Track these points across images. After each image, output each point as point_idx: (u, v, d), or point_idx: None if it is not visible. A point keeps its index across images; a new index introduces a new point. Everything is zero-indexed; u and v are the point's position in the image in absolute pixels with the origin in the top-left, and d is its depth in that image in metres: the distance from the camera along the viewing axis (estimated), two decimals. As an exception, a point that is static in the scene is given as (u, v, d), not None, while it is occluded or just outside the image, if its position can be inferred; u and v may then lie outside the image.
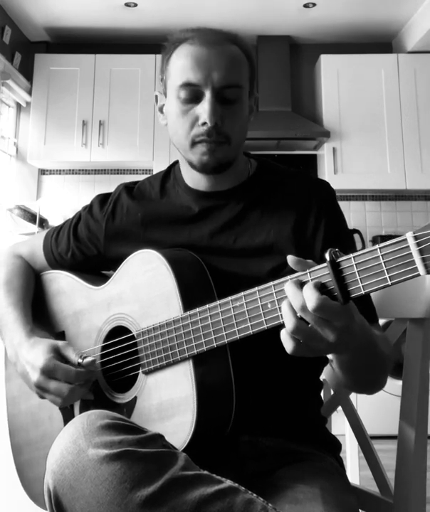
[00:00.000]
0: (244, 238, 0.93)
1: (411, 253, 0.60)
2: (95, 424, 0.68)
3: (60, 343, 0.93)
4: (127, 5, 3.59)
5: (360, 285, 0.64)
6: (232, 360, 0.82)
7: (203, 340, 0.80)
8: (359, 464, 1.52)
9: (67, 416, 0.98)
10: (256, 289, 0.75)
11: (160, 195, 1.02)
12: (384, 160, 3.64)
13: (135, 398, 0.88)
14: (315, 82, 3.99)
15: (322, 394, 1.04)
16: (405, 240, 0.60)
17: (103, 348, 0.95)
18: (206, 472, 0.68)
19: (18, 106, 3.93)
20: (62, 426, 0.97)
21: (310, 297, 0.65)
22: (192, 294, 0.85)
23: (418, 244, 0.59)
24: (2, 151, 3.77)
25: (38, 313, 1.07)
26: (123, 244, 1.01)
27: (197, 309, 0.81)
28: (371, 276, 0.63)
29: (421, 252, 0.59)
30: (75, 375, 0.88)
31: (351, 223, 3.85)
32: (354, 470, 1.53)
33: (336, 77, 3.75)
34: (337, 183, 3.50)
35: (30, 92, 3.83)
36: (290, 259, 0.69)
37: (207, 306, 0.80)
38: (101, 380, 0.95)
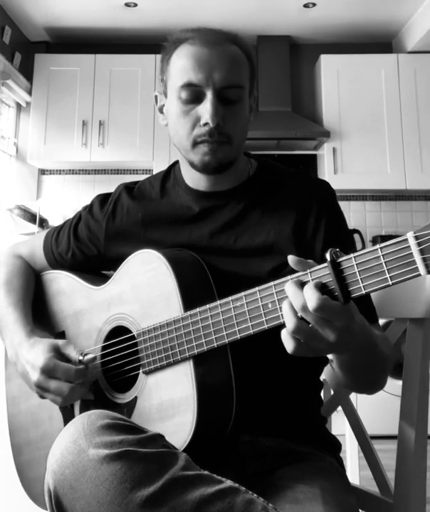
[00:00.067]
0: (244, 238, 0.93)
1: (411, 253, 0.60)
2: (96, 424, 0.68)
3: (60, 341, 0.93)
4: (127, 5, 3.59)
5: (361, 285, 0.64)
6: (232, 360, 0.82)
7: (203, 340, 0.80)
8: (359, 463, 1.52)
9: (68, 416, 0.98)
10: (257, 288, 0.75)
11: (160, 195, 1.02)
12: (384, 160, 3.64)
13: (135, 398, 0.88)
14: (315, 82, 3.99)
15: (322, 394, 1.04)
16: (406, 239, 0.60)
17: (103, 348, 0.95)
18: (206, 472, 0.68)
19: (18, 106, 3.93)
20: (62, 426, 0.97)
21: (311, 297, 0.65)
22: (192, 294, 0.85)
23: (419, 244, 0.59)
24: (2, 151, 3.77)
25: (38, 313, 1.07)
26: (123, 244, 1.01)
27: (197, 309, 0.81)
28: (371, 276, 0.63)
29: (421, 251, 0.59)
30: (75, 374, 0.87)
31: (351, 223, 3.85)
32: (354, 470, 1.53)
33: (336, 77, 3.75)
34: (337, 183, 3.50)
35: (30, 92, 3.83)
36: (291, 259, 0.69)
37: (207, 306, 0.80)
38: (101, 380, 0.95)
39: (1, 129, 3.76)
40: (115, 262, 0.98)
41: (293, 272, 0.70)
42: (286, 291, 0.68)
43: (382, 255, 0.62)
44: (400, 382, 0.97)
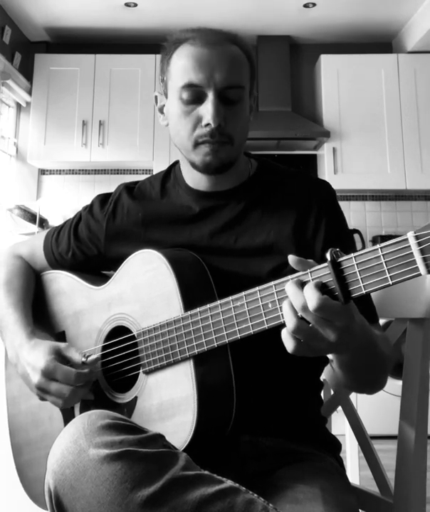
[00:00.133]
0: (244, 238, 0.93)
1: (412, 253, 0.60)
2: (96, 424, 0.68)
3: (61, 344, 0.92)
4: (127, 5, 3.59)
5: (361, 285, 0.64)
6: (233, 360, 0.82)
7: (203, 340, 0.80)
8: (359, 463, 1.52)
9: (68, 416, 0.98)
10: (257, 288, 0.75)
11: (160, 195, 1.02)
12: (384, 160, 3.64)
13: (136, 398, 0.88)
14: (315, 82, 3.99)
15: (322, 394, 1.04)
16: (406, 239, 0.60)
17: (104, 348, 0.95)
18: (206, 472, 0.68)
19: (18, 106, 3.93)
20: (62, 426, 0.97)
21: (311, 297, 0.65)
22: (193, 294, 0.85)
23: (419, 244, 0.59)
24: (2, 151, 3.77)
25: (39, 313, 1.07)
26: (124, 244, 1.01)
27: (198, 309, 0.81)
28: (372, 276, 0.63)
29: (422, 251, 0.59)
30: (75, 377, 0.87)
31: (351, 223, 3.85)
32: (354, 470, 1.53)
33: (336, 77, 3.75)
34: (337, 183, 3.50)
35: (30, 92, 3.83)
36: (291, 258, 0.69)
37: (208, 305, 0.80)
38: (101, 380, 0.95)
39: (1, 129, 3.76)
40: (115, 262, 0.98)
41: (293, 271, 0.70)
42: (286, 291, 0.68)
43: (382, 255, 0.62)
44: (400, 382, 0.97)
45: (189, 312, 0.82)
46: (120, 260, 0.96)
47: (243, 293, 0.76)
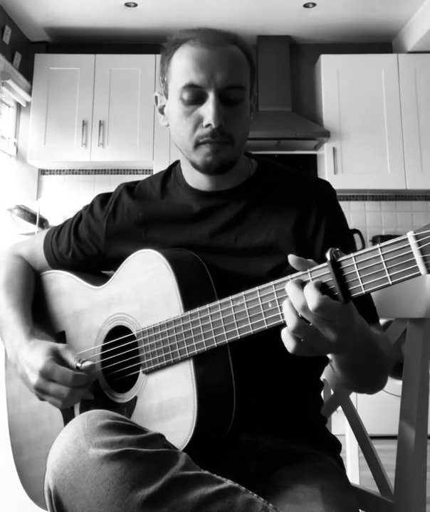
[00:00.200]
0: (245, 238, 0.93)
1: (411, 252, 0.60)
2: (96, 424, 0.68)
3: (59, 345, 0.92)
4: (127, 5, 3.59)
5: (361, 285, 0.64)
6: (232, 360, 0.82)
7: (203, 340, 0.80)
8: (359, 463, 1.52)
9: (68, 416, 0.98)
10: (257, 288, 0.75)
11: (161, 194, 1.02)
12: (384, 160, 3.64)
13: (135, 398, 0.88)
14: (315, 82, 3.99)
15: (322, 394, 1.04)
16: (406, 239, 0.60)
17: (103, 347, 0.95)
18: (206, 472, 0.68)
19: (18, 106, 3.93)
20: (62, 426, 0.97)
21: (311, 297, 0.65)
22: (193, 294, 0.85)
23: (419, 244, 0.59)
24: (2, 151, 3.77)
25: (39, 313, 1.07)
26: (124, 243, 1.01)
27: (197, 309, 0.81)
28: (371, 276, 0.63)
29: (421, 251, 0.59)
30: (72, 379, 0.87)
31: (351, 223, 3.85)
32: (354, 470, 1.53)
33: (336, 77, 3.75)
34: (337, 183, 3.50)
35: (30, 92, 3.83)
36: (291, 258, 0.69)
37: (207, 305, 0.80)
38: (101, 380, 0.95)
39: (1, 129, 3.76)
40: (115, 262, 0.98)
41: (293, 271, 0.70)
42: (287, 291, 0.68)
43: (382, 255, 0.62)
44: (400, 382, 0.97)
45: (188, 312, 0.82)
46: (120, 260, 0.96)
47: (242, 293, 0.76)
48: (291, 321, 0.67)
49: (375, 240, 3.81)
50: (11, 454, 1.10)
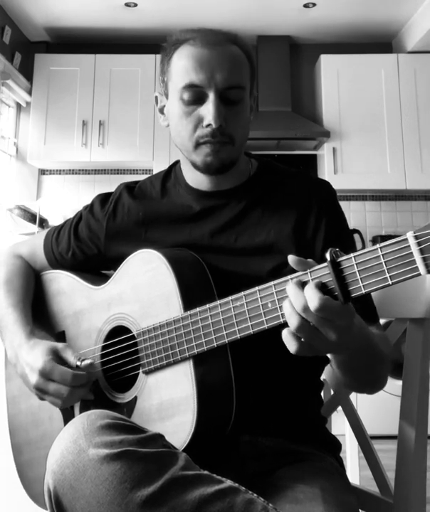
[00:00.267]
0: (245, 237, 0.93)
1: (411, 253, 0.60)
2: (96, 424, 0.68)
3: (59, 345, 0.92)
4: (127, 5, 3.59)
5: (361, 285, 0.64)
6: (232, 360, 0.82)
7: (203, 340, 0.80)
8: (359, 463, 1.52)
9: (68, 416, 0.98)
10: (256, 288, 0.75)
11: (161, 194, 1.02)
12: (384, 160, 3.64)
13: (135, 398, 0.88)
14: (315, 82, 3.99)
15: (322, 394, 1.04)
16: (406, 239, 0.60)
17: (103, 347, 0.95)
18: (206, 472, 0.68)
19: (18, 106, 3.93)
20: (62, 426, 0.97)
21: (312, 297, 0.65)
22: (192, 294, 0.85)
23: (418, 244, 0.59)
24: (2, 151, 3.77)
25: (38, 313, 1.07)
26: (124, 243, 1.01)
27: (197, 309, 0.81)
28: (371, 276, 0.63)
29: (421, 251, 0.59)
30: (72, 378, 0.87)
31: (351, 223, 3.85)
32: (354, 470, 1.53)
33: (336, 77, 3.75)
34: (337, 183, 3.50)
35: (30, 92, 3.83)
36: (291, 259, 0.69)
37: (207, 305, 0.80)
38: (101, 380, 0.95)
39: (1, 129, 3.76)
40: (116, 262, 0.98)
41: (293, 271, 0.70)
42: (287, 292, 0.68)
43: (382, 255, 0.62)
44: (400, 382, 0.97)
45: (188, 312, 0.82)
46: (120, 259, 0.96)
47: (242, 293, 0.76)
48: (293, 321, 0.67)
49: (375, 240, 3.81)
50: (11, 454, 1.10)
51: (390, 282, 0.62)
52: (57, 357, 0.90)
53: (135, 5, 3.59)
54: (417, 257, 0.59)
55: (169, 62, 0.93)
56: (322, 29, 3.93)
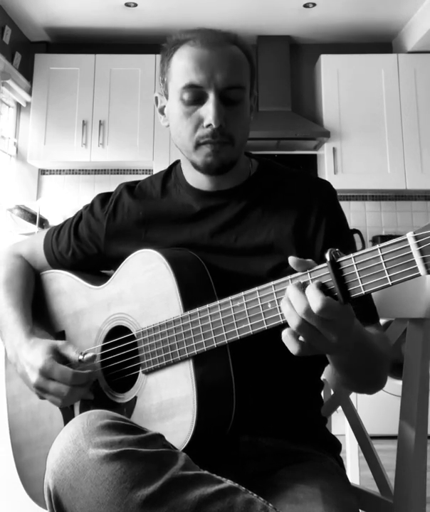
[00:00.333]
0: (245, 237, 0.93)
1: (411, 253, 0.60)
2: (95, 424, 0.68)
3: (59, 342, 0.93)
4: (127, 5, 3.59)
5: (360, 285, 0.64)
6: (232, 360, 0.82)
7: (203, 340, 0.80)
8: (359, 463, 1.52)
9: (68, 416, 0.98)
10: (256, 289, 0.75)
11: (161, 194, 1.02)
12: (384, 160, 3.64)
13: (135, 398, 0.88)
14: (315, 82, 3.99)
15: (322, 394, 1.04)
16: (405, 239, 0.60)
17: (103, 347, 0.95)
18: (206, 472, 0.68)
19: (18, 106, 3.93)
20: (62, 425, 0.97)
21: (315, 299, 0.65)
22: (192, 294, 0.85)
23: (418, 244, 0.59)
24: (2, 151, 3.77)
25: (38, 312, 1.07)
26: (124, 243, 1.01)
27: (197, 309, 0.81)
28: (371, 276, 0.63)
29: (421, 252, 0.59)
30: (72, 377, 0.87)
31: (351, 223, 3.84)
32: (354, 470, 1.53)
33: (336, 77, 3.75)
34: (337, 183, 3.50)
35: (30, 92, 3.83)
36: (292, 260, 0.69)
37: (207, 306, 0.80)
38: (101, 380, 0.95)
39: (1, 129, 3.76)
40: (115, 261, 0.98)
41: (293, 271, 0.70)
42: (288, 294, 0.68)
43: (382, 255, 0.62)
44: (400, 382, 0.97)
45: (188, 312, 0.82)
46: (120, 259, 0.96)
47: (242, 293, 0.76)
48: (293, 321, 0.67)
49: (375, 240, 3.81)
50: (11, 453, 1.10)
51: (390, 283, 0.62)
52: (57, 356, 0.91)
53: (135, 5, 3.59)
54: (417, 258, 0.59)
55: (168, 62, 0.93)
56: (322, 29, 3.93)
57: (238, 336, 0.77)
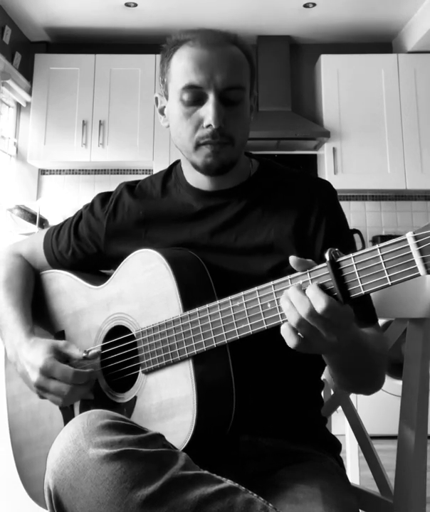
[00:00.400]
0: (244, 237, 0.94)
1: (411, 253, 0.60)
2: (96, 423, 0.68)
3: (60, 342, 0.93)
4: (127, 5, 3.59)
5: (360, 285, 0.64)
6: (232, 360, 0.82)
7: (202, 340, 0.80)
8: (359, 463, 1.52)
9: (68, 416, 0.98)
10: (256, 288, 0.75)
11: (161, 193, 1.02)
12: (384, 160, 3.64)
13: (135, 398, 0.88)
14: (315, 82, 3.99)
15: (322, 394, 1.04)
16: (405, 239, 0.60)
17: (103, 347, 0.95)
18: (206, 472, 0.68)
19: (18, 106, 3.93)
20: (62, 425, 0.97)
21: (319, 299, 0.65)
22: (192, 294, 0.85)
23: (418, 244, 0.59)
24: (2, 151, 3.77)
25: (38, 312, 1.07)
26: (124, 242, 1.01)
27: (197, 309, 0.81)
28: (371, 276, 0.63)
29: (421, 252, 0.59)
30: (73, 375, 0.87)
31: (351, 223, 3.84)
32: (354, 470, 1.53)
33: (336, 77, 3.75)
34: (337, 183, 3.50)
35: (30, 92, 3.83)
36: (292, 259, 0.69)
37: (207, 306, 0.80)
38: (101, 380, 0.95)
39: (1, 129, 3.76)
40: (115, 261, 0.98)
41: (293, 271, 0.70)
42: (289, 296, 0.68)
43: (381, 255, 0.62)
44: (400, 382, 0.97)
45: (187, 312, 0.82)
46: (120, 259, 0.96)
47: (242, 293, 0.76)
48: (293, 318, 0.67)
49: (375, 240, 3.81)
50: (11, 453, 1.10)
51: (389, 283, 0.62)
52: (58, 355, 0.91)
53: (135, 5, 3.59)
54: (416, 258, 0.59)
55: (168, 63, 0.93)
56: (322, 29, 3.93)
57: (237, 335, 0.77)
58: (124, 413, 0.88)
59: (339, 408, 1.13)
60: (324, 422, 0.99)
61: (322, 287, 0.66)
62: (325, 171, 3.64)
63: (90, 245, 1.06)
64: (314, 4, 3.58)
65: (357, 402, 1.25)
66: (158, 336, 0.85)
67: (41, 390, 0.90)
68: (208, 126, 0.88)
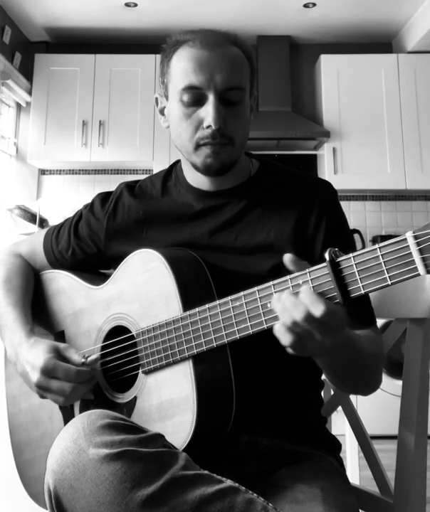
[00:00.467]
0: (244, 236, 0.94)
1: (410, 253, 0.60)
2: (96, 423, 0.68)
3: (61, 345, 0.92)
4: (127, 5, 3.59)
5: (360, 285, 0.64)
6: (232, 360, 0.82)
7: (202, 340, 0.80)
8: (359, 463, 1.52)
9: (67, 416, 0.98)
10: (256, 288, 0.75)
11: (161, 193, 1.02)
12: (384, 160, 3.64)
13: (135, 398, 0.88)
14: (315, 82, 3.99)
15: (322, 394, 1.04)
16: (405, 239, 0.60)
17: (103, 347, 0.95)
18: (206, 472, 0.68)
19: (18, 106, 3.93)
20: (62, 425, 0.97)
21: (317, 303, 0.65)
22: (192, 294, 0.85)
23: (418, 244, 0.59)
24: (2, 151, 3.77)
25: (38, 312, 1.07)
26: (123, 242, 1.01)
27: (197, 309, 0.81)
28: (371, 276, 0.63)
29: (420, 251, 0.59)
30: (75, 374, 0.87)
31: (351, 223, 3.84)
32: (354, 470, 1.53)
33: (336, 77, 3.75)
34: (337, 183, 3.49)
35: (30, 92, 3.83)
36: (287, 257, 0.69)
37: (207, 306, 0.80)
38: (101, 380, 0.95)
39: (1, 129, 3.76)
40: (115, 261, 0.98)
41: (293, 270, 0.70)
42: (283, 303, 0.68)
43: (381, 255, 0.62)
44: (400, 382, 0.97)
45: (187, 312, 0.82)
46: (120, 258, 0.96)
47: (241, 293, 0.76)
48: (287, 320, 0.67)
49: (375, 240, 3.81)
50: (11, 453, 1.10)
51: (389, 282, 0.62)
52: (59, 355, 0.90)
53: (135, 5, 3.59)
54: (416, 257, 0.59)
55: (168, 63, 0.93)
56: (322, 29, 3.93)
57: (237, 335, 0.77)
58: (124, 413, 0.88)
59: (339, 408, 1.13)
60: (324, 422, 0.99)
61: (315, 290, 0.66)
62: (325, 171, 3.65)
63: (89, 245, 1.06)
64: (314, 4, 3.58)
65: (357, 402, 1.25)
66: (158, 336, 0.85)
67: (42, 390, 0.90)
68: (208, 127, 0.88)
